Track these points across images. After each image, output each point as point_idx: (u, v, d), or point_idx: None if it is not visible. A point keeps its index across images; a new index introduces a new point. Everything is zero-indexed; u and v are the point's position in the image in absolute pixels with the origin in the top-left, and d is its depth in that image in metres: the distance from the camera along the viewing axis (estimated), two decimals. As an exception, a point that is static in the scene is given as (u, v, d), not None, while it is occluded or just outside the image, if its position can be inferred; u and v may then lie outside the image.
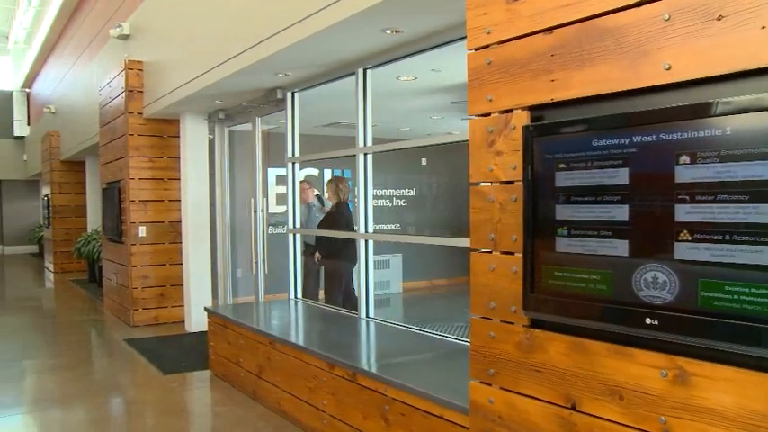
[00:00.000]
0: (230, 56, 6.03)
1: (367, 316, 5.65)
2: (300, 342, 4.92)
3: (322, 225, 8.16)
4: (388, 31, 4.48)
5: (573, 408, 2.42)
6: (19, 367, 7.00)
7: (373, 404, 3.85)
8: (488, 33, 2.75)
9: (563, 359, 2.46)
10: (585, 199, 2.36)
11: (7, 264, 20.07)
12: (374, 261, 9.40)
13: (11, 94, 24.43)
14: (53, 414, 5.58)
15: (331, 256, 8.02)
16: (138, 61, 8.90)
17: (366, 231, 5.67)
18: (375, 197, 11.23)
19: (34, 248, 22.39)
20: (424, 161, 12.00)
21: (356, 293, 7.73)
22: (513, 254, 2.67)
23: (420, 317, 9.07)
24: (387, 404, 3.72)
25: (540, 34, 2.52)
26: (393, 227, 11.77)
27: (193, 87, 7.06)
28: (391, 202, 11.78)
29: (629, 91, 2.23)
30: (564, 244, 2.44)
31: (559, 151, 2.45)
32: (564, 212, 2.44)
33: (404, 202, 11.97)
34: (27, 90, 24.17)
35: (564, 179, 2.43)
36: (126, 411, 5.69)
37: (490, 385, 2.79)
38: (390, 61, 5.26)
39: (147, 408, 5.67)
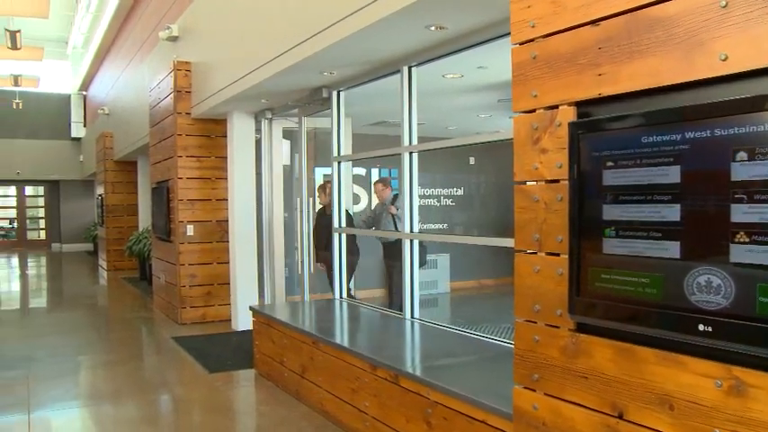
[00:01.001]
0: (275, 55, 6.03)
1: (412, 317, 5.58)
2: (343, 342, 4.88)
3: (315, 226, 8.12)
4: (432, 28, 4.41)
5: (620, 416, 2.32)
6: (74, 362, 7.16)
7: (416, 407, 3.78)
8: (533, 27, 2.66)
9: (610, 365, 2.35)
10: (634, 198, 2.25)
11: (65, 261, 20.60)
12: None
13: (69, 97, 25.08)
14: (104, 409, 5.67)
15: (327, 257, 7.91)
16: (187, 62, 8.99)
17: (411, 231, 5.59)
18: (422, 196, 11.20)
19: (89, 246, 22.93)
20: (472, 160, 11.87)
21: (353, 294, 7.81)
22: (558, 255, 2.57)
23: (467, 318, 8.96)
24: (429, 407, 3.65)
25: (587, 26, 2.42)
26: (441, 226, 11.67)
27: (240, 87, 7.09)
28: (439, 201, 11.69)
29: (681, 84, 2.12)
30: (611, 245, 2.33)
31: (607, 148, 2.35)
32: (611, 212, 2.33)
33: (451, 202, 11.87)
34: (84, 93, 24.78)
35: (611, 177, 2.33)
36: (172, 409, 5.74)
37: (534, 391, 2.70)
38: (435, 59, 5.19)
39: (192, 406, 5.71)
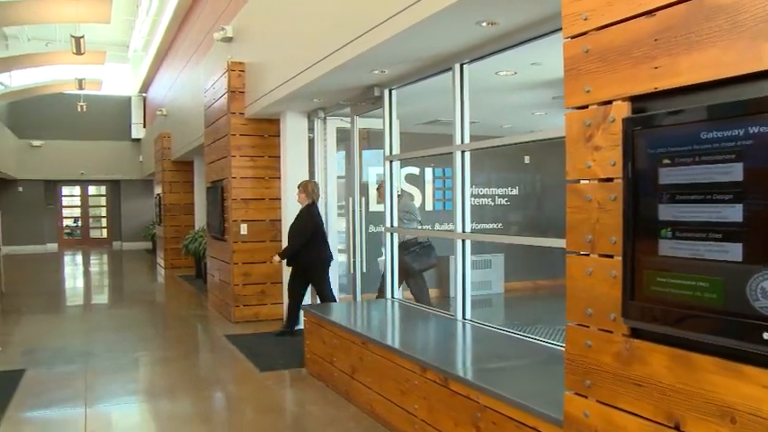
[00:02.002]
0: (326, 54, 6.02)
1: (464, 318, 5.49)
2: (393, 343, 4.83)
3: (292, 227, 7.86)
4: (484, 24, 4.31)
5: (676, 428, 2.20)
6: (130, 358, 7.28)
7: (465, 411, 3.70)
8: (585, 19, 2.55)
9: (666, 373, 2.24)
10: (692, 198, 2.13)
11: (125, 259, 21.11)
12: (475, 261, 9.25)
13: (129, 99, 25.74)
14: (158, 405, 5.77)
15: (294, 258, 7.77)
16: (240, 62, 9.07)
17: (463, 231, 5.51)
18: (477, 196, 11.07)
19: (148, 245, 23.45)
20: (527, 159, 11.68)
21: (326, 293, 7.64)
22: (611, 257, 2.47)
23: (521, 319, 8.81)
24: (479, 412, 3.56)
25: (642, 17, 2.31)
26: (495, 226, 11.51)
27: (292, 86, 7.11)
28: (493, 200, 11.53)
29: (745, 76, 1.99)
30: (668, 247, 2.21)
31: (663, 145, 2.23)
32: (668, 212, 2.21)
33: (506, 201, 11.69)
34: (143, 95, 25.41)
35: (668, 176, 2.21)
36: (223, 407, 5.78)
37: (586, 397, 2.59)
38: (487, 55, 5.09)
39: (242, 404, 5.74)
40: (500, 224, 11.49)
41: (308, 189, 7.77)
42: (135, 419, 5.46)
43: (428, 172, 10.85)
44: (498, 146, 5.38)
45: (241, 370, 6.68)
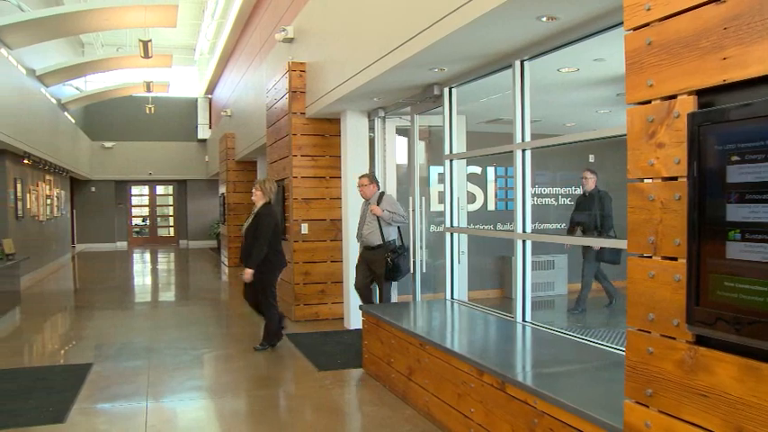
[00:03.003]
0: (386, 52, 5.98)
1: (524, 320, 5.37)
2: (450, 345, 4.74)
3: (249, 226, 7.36)
4: (543, 19, 4.20)
5: (746, 442, 2.07)
6: (191, 355, 7.39)
7: (522, 416, 3.60)
8: (648, 10, 2.43)
9: (734, 384, 2.10)
10: (764, 197, 1.99)
11: (191, 258, 21.56)
12: (537, 262, 9.07)
13: (195, 100, 26.32)
14: (215, 402, 5.83)
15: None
16: (301, 63, 9.12)
17: (523, 231, 5.39)
18: (540, 195, 10.85)
19: (213, 243, 23.92)
20: (591, 158, 11.39)
21: (268, 296, 7.29)
22: (675, 260, 2.34)
23: (584, 321, 8.58)
24: (536, 418, 3.46)
25: (710, 5, 2.18)
26: (558, 226, 11.27)
27: (351, 85, 7.11)
28: (557, 200, 11.28)
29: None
30: (736, 250, 2.08)
31: (732, 141, 2.10)
32: (737, 213, 2.08)
33: (570, 201, 11.42)
34: (209, 96, 25.96)
35: (737, 174, 2.08)
36: (279, 405, 5.79)
37: (647, 407, 2.47)
38: (548, 51, 4.96)
39: (298, 403, 5.75)
40: (563, 224, 11.25)
41: (265, 188, 7.37)
42: (193, 416, 5.52)
43: (490, 171, 10.69)
44: (558, 144, 5.24)
45: (299, 369, 6.70)
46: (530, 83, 5.28)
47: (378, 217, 7.41)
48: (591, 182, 8.14)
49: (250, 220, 7.34)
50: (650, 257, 2.46)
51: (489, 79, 5.95)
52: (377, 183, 7.75)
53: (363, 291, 7.65)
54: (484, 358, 4.23)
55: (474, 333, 5.60)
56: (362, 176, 7.75)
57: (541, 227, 10.64)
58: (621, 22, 2.62)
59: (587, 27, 4.31)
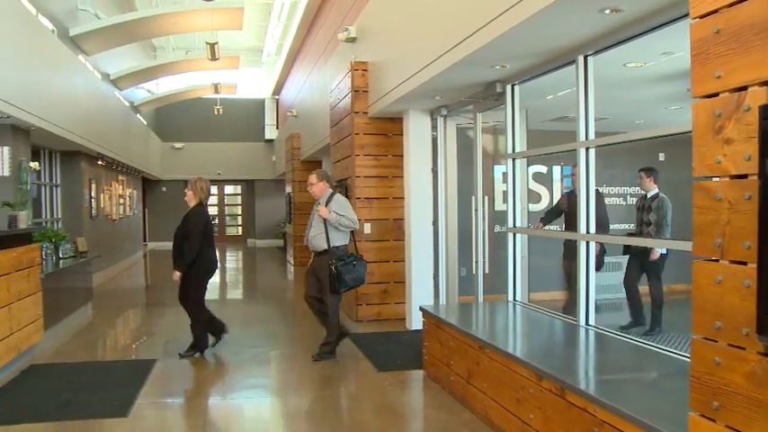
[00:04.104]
0: (445, 49, 5.90)
1: (587, 323, 5.19)
2: (509, 349, 4.61)
3: (178, 227, 7.15)
4: (607, 11, 4.04)
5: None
6: (253, 353, 7.45)
7: (581, 424, 3.46)
8: (716, -4, 2.28)
9: (809, 400, 1.94)
10: (842, 196, 1.83)
11: (258, 256, 21.89)
12: (605, 263, 8.78)
13: (263, 101, 26.74)
14: (274, 401, 5.91)
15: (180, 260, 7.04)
16: (363, 62, 9.10)
17: (587, 232, 5.21)
18: (607, 195, 10.54)
19: (279, 242, 24.23)
20: (661, 156, 11.01)
21: (193, 299, 7.01)
22: (744, 264, 2.18)
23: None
24: (595, 426, 3.31)
25: (784, -11, 2.02)
26: (627, 227, 10.94)
27: (413, 84, 7.04)
28: (625, 200, 10.96)
29: None
30: (812, 254, 1.92)
31: (807, 136, 1.94)
32: (812, 214, 1.92)
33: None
34: (276, 97, 26.35)
35: (813, 171, 1.92)
36: (337, 406, 5.79)
37: (714, 421, 2.31)
38: (613, 46, 4.77)
39: (356, 403, 5.74)
40: (632, 225, 10.91)
41: (196, 188, 7.12)
42: (251, 414, 5.55)
43: (556, 170, 10.46)
44: (621, 142, 5.05)
45: (360, 369, 6.67)
46: (594, 79, 5.10)
47: (325, 220, 6.84)
48: (647, 182, 7.68)
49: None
50: (717, 261, 2.30)
51: (555, 76, 5.77)
52: (329, 181, 7.19)
53: (310, 302, 7.09)
54: (543, 363, 4.09)
55: (534, 336, 5.45)
56: (311, 174, 7.28)
57: (611, 227, 10.35)
58: (687, 14, 2.47)
59: (653, 19, 4.12)
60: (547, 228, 7.85)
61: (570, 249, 7.75)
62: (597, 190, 7.53)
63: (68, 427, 4.95)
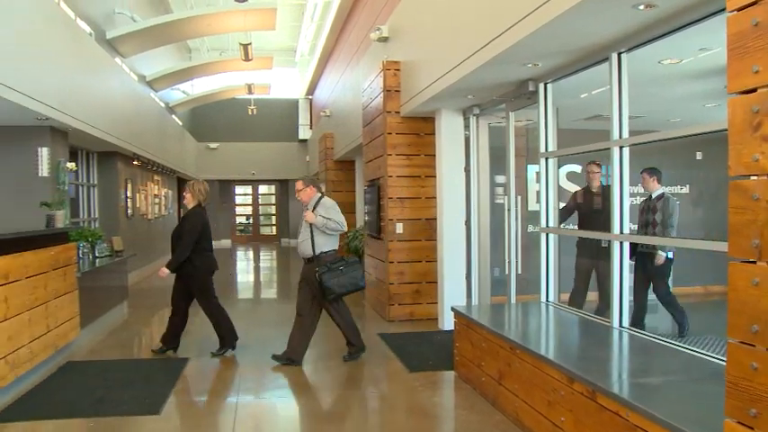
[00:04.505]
0: (476, 48, 5.85)
1: (620, 325, 5.10)
2: (541, 350, 4.54)
3: (175, 228, 7.31)
4: (641, 7, 3.96)
5: None
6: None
7: (613, 428, 3.39)
8: (755, -13, 2.21)
9: None
10: None
11: (292, 256, 21.94)
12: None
13: (296, 101, 26.88)
14: (303, 401, 5.90)
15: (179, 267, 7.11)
16: (396, 61, 9.08)
17: (621, 232, 5.12)
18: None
19: (313, 242, 24.30)
20: (699, 155, 10.81)
21: (205, 299, 7.05)
22: (783, 265, 2.11)
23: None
24: (628, 430, 3.24)
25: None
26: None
27: (444, 83, 7.00)
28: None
29: None
30: None
31: None
32: None
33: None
34: (309, 97, 26.47)
35: None
36: (367, 407, 5.77)
37: (752, 429, 2.23)
38: (647, 42, 4.68)
39: (387, 404, 5.72)
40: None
41: (194, 189, 7.14)
42: (281, 413, 5.57)
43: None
44: (656, 141, 4.95)
45: (391, 369, 6.64)
46: (629, 76, 5.01)
47: (312, 225, 6.68)
48: (651, 183, 7.47)
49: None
50: (754, 263, 2.23)
51: (588, 74, 5.68)
52: (316, 186, 7.04)
53: (301, 313, 6.87)
54: (575, 365, 4.02)
55: (566, 338, 5.37)
56: (298, 180, 7.12)
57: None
58: (725, 7, 2.40)
59: (689, 14, 4.03)
60: (576, 228, 7.74)
61: (586, 248, 7.66)
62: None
63: (101, 424, 5.01)
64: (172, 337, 7.28)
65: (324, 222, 6.63)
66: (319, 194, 6.95)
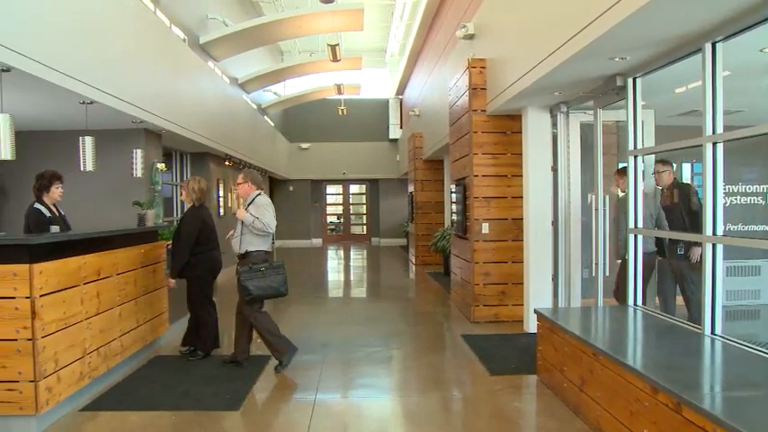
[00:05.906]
0: (561, 43, 5.68)
1: (713, 333, 4.82)
2: (624, 358, 4.34)
3: (174, 231, 7.11)
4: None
5: None
6: (366, 352, 7.46)
7: (699, 444, 3.18)
8: None
9: None
10: None
11: (381, 255, 22.08)
12: (740, 267, 8.20)
13: (387, 101, 27.02)
14: (381, 401, 5.88)
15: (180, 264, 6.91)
16: (481, 59, 8.94)
17: (714, 234, 4.83)
18: (743, 194, 9.81)
19: (402, 241, 24.40)
20: (806, 151, 10.13)
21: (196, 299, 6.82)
22: None
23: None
24: (714, 447, 3.03)
25: None
26: (767, 228, 10.14)
27: (530, 79, 6.83)
28: (765, 199, 10.16)
29: None
30: None
31: None
32: None
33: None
34: (399, 97, 26.55)
35: None
36: (446, 408, 5.66)
37: None
38: (746, 29, 4.38)
39: (467, 407, 5.62)
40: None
41: (189, 188, 6.97)
42: (359, 413, 5.54)
43: (686, 168, 9.84)
44: (752, 136, 4.62)
45: (472, 372, 6.53)
46: (725, 67, 4.71)
47: (243, 223, 6.54)
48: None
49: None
50: None
51: (682, 67, 5.39)
52: (256, 183, 6.77)
53: (237, 317, 6.81)
54: (659, 374, 3.81)
55: (653, 345, 5.11)
56: (240, 173, 6.96)
57: (746, 228, 9.64)
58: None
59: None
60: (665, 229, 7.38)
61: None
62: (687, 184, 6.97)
63: (182, 417, 5.15)
64: (212, 339, 7.16)
65: (251, 221, 6.48)
66: (257, 192, 6.75)
